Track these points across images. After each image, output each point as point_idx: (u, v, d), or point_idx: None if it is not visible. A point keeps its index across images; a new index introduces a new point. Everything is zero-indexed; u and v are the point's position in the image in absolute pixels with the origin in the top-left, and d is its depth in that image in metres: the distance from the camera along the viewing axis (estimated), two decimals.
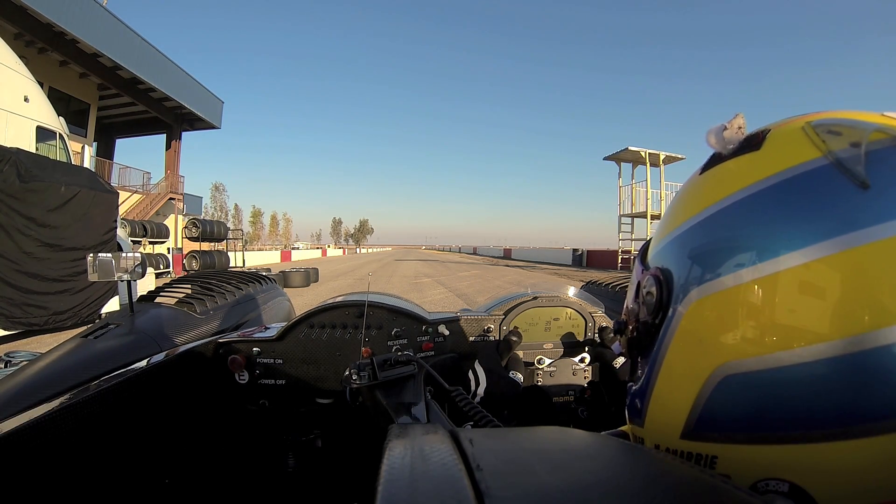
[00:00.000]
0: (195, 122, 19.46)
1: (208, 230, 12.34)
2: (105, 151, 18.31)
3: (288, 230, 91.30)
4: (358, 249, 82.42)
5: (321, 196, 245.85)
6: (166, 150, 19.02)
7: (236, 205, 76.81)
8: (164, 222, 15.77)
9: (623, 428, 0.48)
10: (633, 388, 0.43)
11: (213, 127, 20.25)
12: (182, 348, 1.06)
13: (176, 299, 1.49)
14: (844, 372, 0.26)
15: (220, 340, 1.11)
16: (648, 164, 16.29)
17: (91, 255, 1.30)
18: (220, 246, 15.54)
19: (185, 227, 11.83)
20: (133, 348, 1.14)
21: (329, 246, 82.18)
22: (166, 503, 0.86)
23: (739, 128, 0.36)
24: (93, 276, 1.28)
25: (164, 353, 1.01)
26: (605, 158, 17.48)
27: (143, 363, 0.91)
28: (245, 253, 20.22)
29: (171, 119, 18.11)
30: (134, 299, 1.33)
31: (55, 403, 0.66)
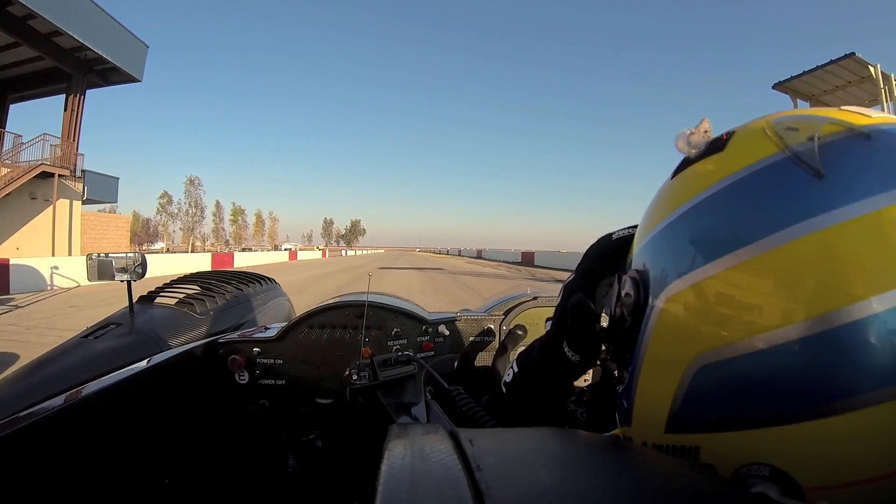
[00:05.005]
0: (108, 74, 14.13)
1: None
2: None
3: (274, 229, 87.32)
4: (344, 251, 73.98)
5: (316, 196, 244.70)
6: (64, 110, 13.47)
7: (217, 201, 73.36)
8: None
9: (615, 432, 0.48)
10: (620, 389, 0.44)
11: (132, 80, 14.74)
12: (182, 348, 1.06)
13: (176, 299, 1.49)
14: (812, 352, 0.28)
15: (221, 340, 1.12)
16: (884, 90, 9.81)
17: (89, 255, 1.30)
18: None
19: None
20: (133, 348, 1.14)
21: (318, 247, 71.66)
22: (166, 503, 0.86)
23: (706, 132, 0.38)
24: (92, 277, 1.29)
25: (164, 353, 1.01)
26: (775, 86, 11.22)
27: (144, 363, 0.91)
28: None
29: (71, 66, 12.87)
30: None
31: (55, 403, 0.66)
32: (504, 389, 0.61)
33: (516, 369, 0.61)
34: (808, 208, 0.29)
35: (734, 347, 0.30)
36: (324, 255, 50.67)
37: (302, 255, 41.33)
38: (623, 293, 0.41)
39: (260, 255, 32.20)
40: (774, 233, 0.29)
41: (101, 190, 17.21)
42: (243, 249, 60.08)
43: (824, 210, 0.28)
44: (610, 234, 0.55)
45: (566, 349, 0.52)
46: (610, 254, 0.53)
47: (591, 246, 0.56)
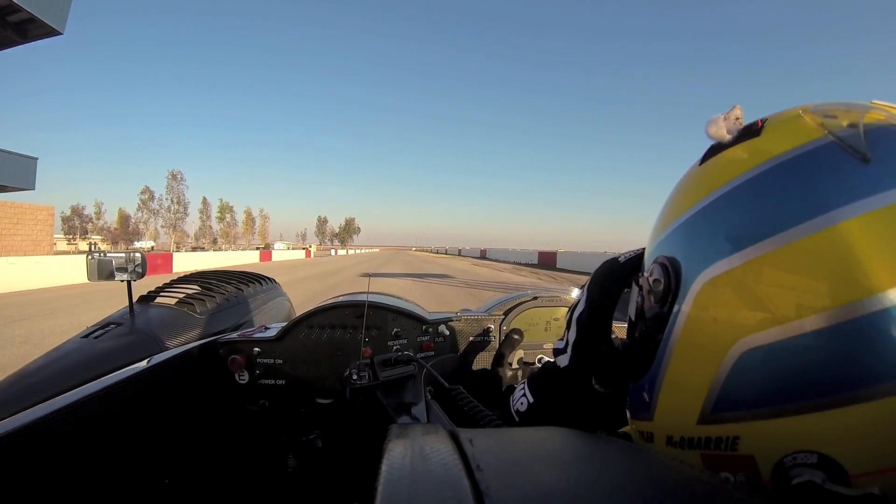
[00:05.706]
0: (26, 28, 11.34)
1: None
2: None
3: (265, 227, 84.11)
4: (334, 251, 66.72)
5: (312, 195, 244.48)
6: None
7: (204, 198, 71.10)
8: None
9: (625, 429, 0.47)
10: (634, 384, 0.43)
11: (52, 32, 12.05)
12: (182, 348, 1.06)
13: (176, 299, 1.49)
14: (864, 332, 0.27)
15: (221, 340, 1.12)
16: None
17: (89, 255, 1.29)
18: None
19: None
20: (133, 348, 1.14)
21: (310, 246, 63.46)
22: (166, 503, 0.86)
23: (737, 118, 0.38)
24: (92, 276, 1.28)
25: (164, 353, 1.01)
26: None
27: (144, 363, 0.91)
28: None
29: None
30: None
31: (55, 403, 0.66)
32: (517, 418, 0.59)
33: (531, 399, 0.58)
34: (857, 190, 0.29)
35: (779, 331, 0.29)
36: (307, 255, 43.67)
37: (284, 256, 35.37)
38: (651, 280, 0.40)
39: (214, 255, 24.03)
40: (824, 213, 0.29)
41: (11, 173, 13.26)
42: (194, 248, 54.10)
43: (870, 194, 0.28)
44: (616, 258, 0.54)
45: (595, 384, 0.52)
46: (621, 276, 0.52)
47: (598, 272, 0.55)
